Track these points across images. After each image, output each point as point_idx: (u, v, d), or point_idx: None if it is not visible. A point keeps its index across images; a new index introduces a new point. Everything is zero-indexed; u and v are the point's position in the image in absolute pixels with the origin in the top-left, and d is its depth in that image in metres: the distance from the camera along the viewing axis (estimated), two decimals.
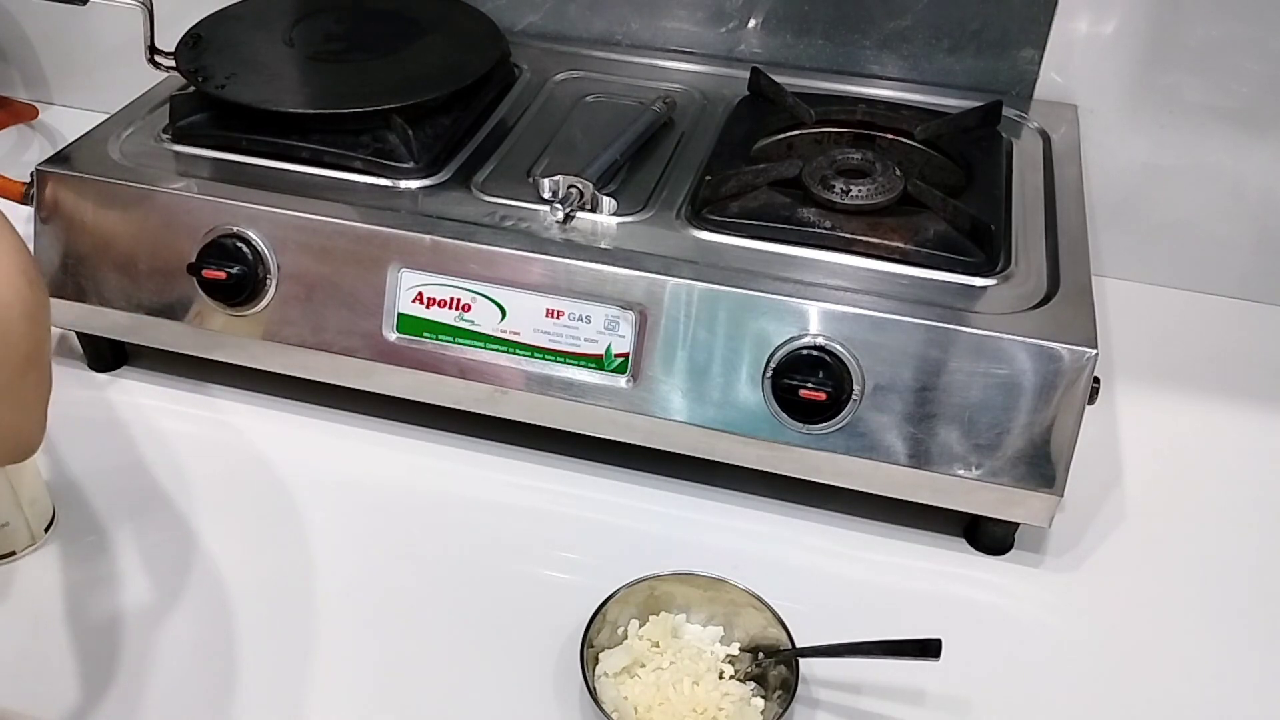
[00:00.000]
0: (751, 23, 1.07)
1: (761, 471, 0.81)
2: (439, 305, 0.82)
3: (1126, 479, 0.89)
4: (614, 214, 0.84)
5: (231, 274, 0.83)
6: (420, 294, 0.82)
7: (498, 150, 0.93)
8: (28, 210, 0.89)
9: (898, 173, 0.86)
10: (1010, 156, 0.95)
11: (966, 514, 0.81)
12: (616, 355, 0.81)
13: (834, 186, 0.84)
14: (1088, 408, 0.76)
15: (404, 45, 0.99)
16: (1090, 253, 0.84)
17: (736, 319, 0.78)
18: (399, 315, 0.83)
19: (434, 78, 0.94)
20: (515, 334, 0.82)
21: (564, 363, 0.81)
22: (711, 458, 0.82)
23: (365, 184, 0.88)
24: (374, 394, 0.86)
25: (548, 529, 0.83)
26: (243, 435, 0.89)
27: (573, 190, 0.84)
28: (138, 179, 0.87)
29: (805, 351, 0.77)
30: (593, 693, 0.68)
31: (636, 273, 0.79)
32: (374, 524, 0.83)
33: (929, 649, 0.67)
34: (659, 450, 0.83)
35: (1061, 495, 0.77)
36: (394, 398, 0.86)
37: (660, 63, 1.07)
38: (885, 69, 1.06)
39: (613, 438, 0.83)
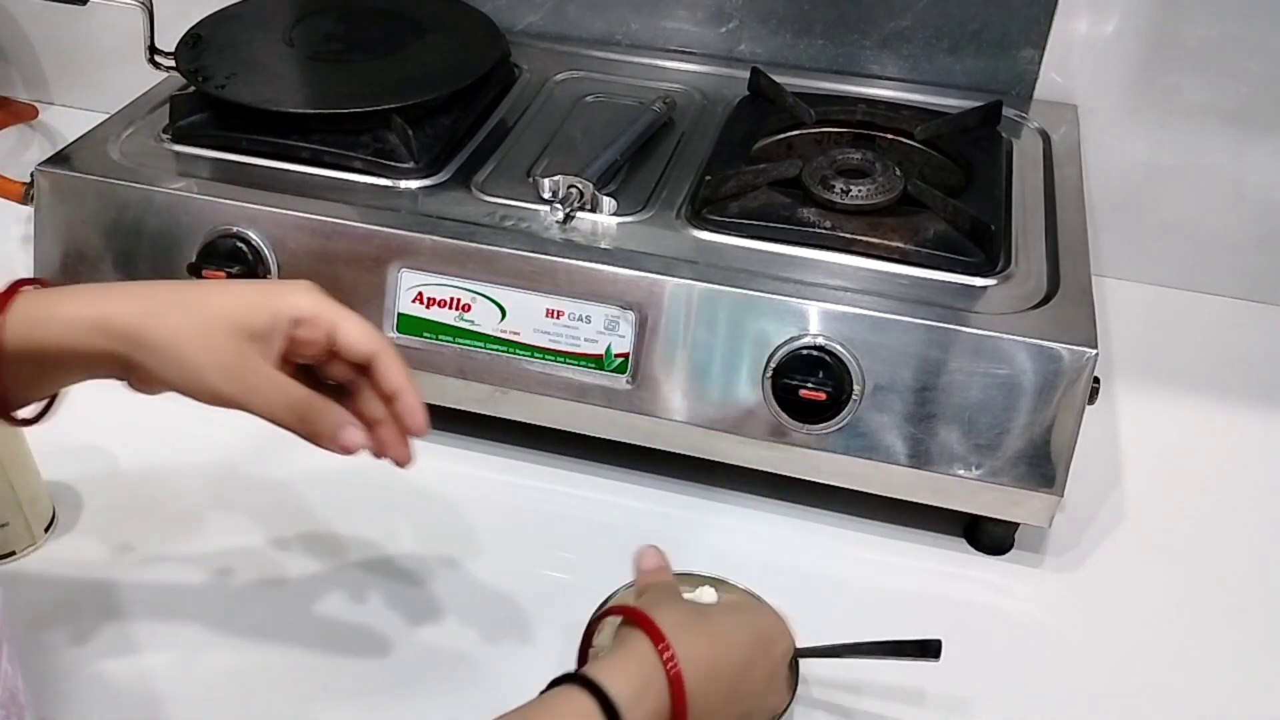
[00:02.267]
0: (752, 23, 1.07)
1: (761, 471, 0.81)
2: (439, 305, 0.82)
3: (1126, 479, 0.89)
4: (614, 214, 0.84)
5: (231, 274, 0.83)
6: (420, 294, 0.82)
7: (498, 150, 0.93)
8: (28, 210, 0.89)
9: (898, 173, 0.86)
10: (1010, 156, 0.95)
11: (966, 514, 0.81)
12: (616, 355, 0.81)
13: (834, 186, 0.84)
14: (1088, 408, 0.76)
15: (404, 45, 0.99)
16: (1090, 253, 0.84)
17: (736, 319, 0.78)
18: (399, 315, 0.83)
19: (434, 78, 0.94)
20: (515, 334, 0.82)
21: (564, 363, 0.81)
22: (711, 458, 0.82)
23: (365, 184, 0.88)
24: None
25: (548, 529, 0.83)
26: (242, 435, 0.89)
27: (573, 190, 0.84)
28: (138, 179, 0.87)
29: (805, 351, 0.77)
30: None
31: (636, 273, 0.79)
32: (373, 524, 0.83)
33: (929, 649, 0.67)
34: (659, 450, 0.83)
35: (1061, 495, 0.77)
36: None
37: (660, 63, 1.07)
38: (885, 69, 1.06)
39: (613, 438, 0.83)
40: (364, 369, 0.60)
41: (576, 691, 0.56)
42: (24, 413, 0.61)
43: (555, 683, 0.58)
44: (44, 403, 0.61)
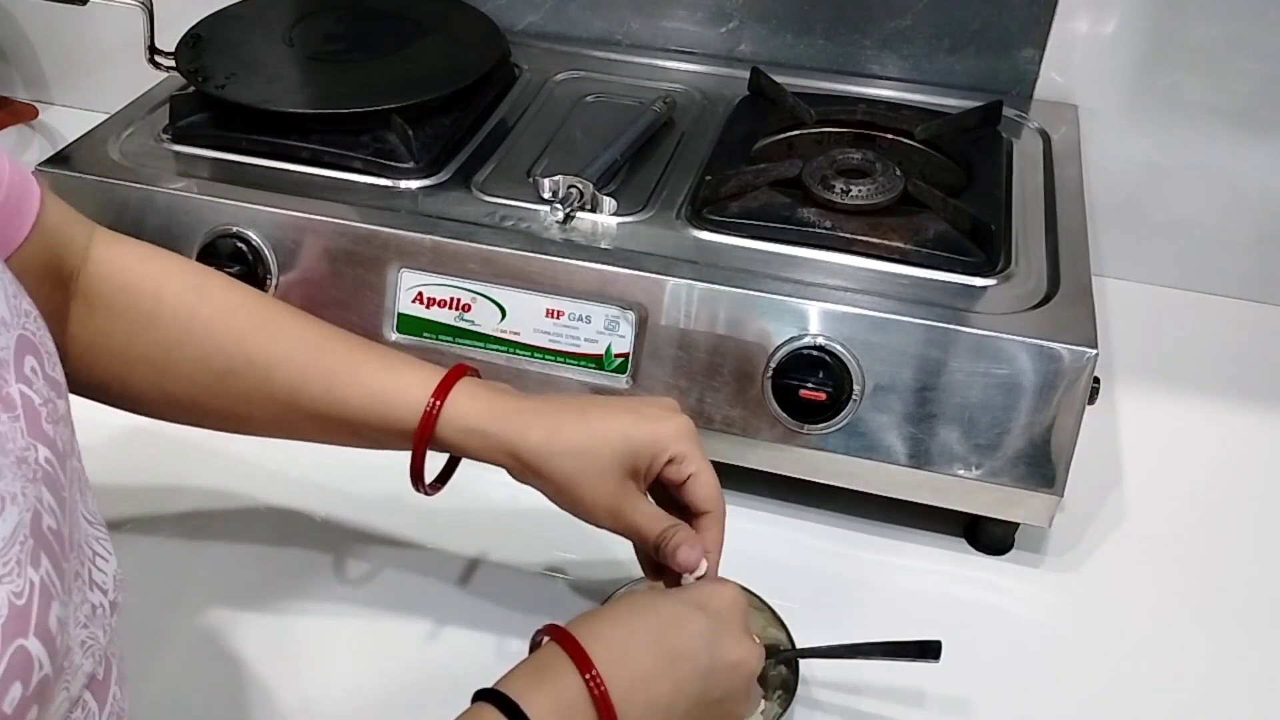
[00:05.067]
0: (752, 23, 1.07)
1: (761, 471, 0.81)
2: (439, 305, 0.82)
3: (1126, 479, 0.89)
4: (614, 214, 0.84)
5: (231, 274, 0.83)
6: (420, 294, 0.82)
7: (498, 150, 0.93)
8: None
9: (898, 173, 0.86)
10: (1010, 156, 0.95)
11: (966, 514, 0.81)
12: (616, 355, 0.81)
13: (834, 186, 0.84)
14: (1088, 408, 0.76)
15: (404, 45, 0.99)
16: (1090, 253, 0.84)
17: (736, 319, 0.78)
18: (399, 315, 0.83)
19: (434, 78, 0.94)
20: (515, 334, 0.82)
21: (564, 363, 0.81)
22: (711, 458, 0.82)
23: (365, 184, 0.88)
24: None
25: (548, 529, 0.83)
26: (241, 435, 0.89)
27: (573, 190, 0.84)
28: (138, 179, 0.87)
29: (805, 351, 0.77)
30: None
31: (636, 273, 0.79)
32: (372, 525, 0.83)
33: (929, 650, 0.67)
34: None
35: (1061, 495, 0.77)
36: None
37: (660, 63, 1.07)
38: (885, 69, 1.06)
39: None
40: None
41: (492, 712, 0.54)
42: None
43: (477, 697, 0.55)
44: (442, 477, 0.69)
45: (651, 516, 0.64)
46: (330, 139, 0.89)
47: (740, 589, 0.64)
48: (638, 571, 0.73)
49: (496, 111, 0.98)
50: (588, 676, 0.54)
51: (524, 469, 0.63)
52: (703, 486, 0.65)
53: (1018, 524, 0.81)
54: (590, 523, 0.65)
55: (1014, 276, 0.81)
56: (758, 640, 0.62)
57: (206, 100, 0.92)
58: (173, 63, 0.95)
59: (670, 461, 0.64)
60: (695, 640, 0.58)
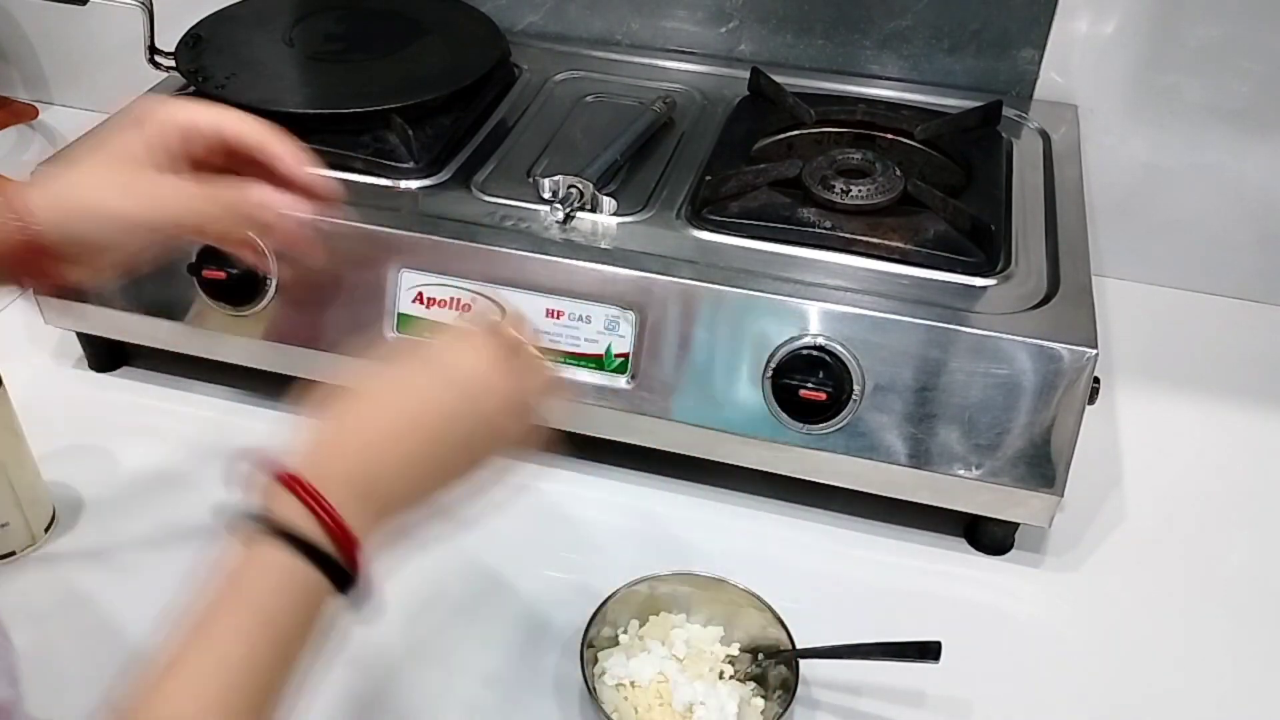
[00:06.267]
0: (752, 23, 1.07)
1: (761, 471, 0.81)
2: (439, 305, 0.82)
3: (1126, 479, 0.89)
4: (614, 214, 0.84)
5: (231, 274, 0.83)
6: (420, 294, 0.82)
7: (498, 150, 0.93)
8: None
9: (898, 173, 0.86)
10: (1010, 156, 0.95)
11: (966, 514, 0.81)
12: (616, 355, 0.81)
13: (834, 186, 0.84)
14: (1088, 408, 0.76)
15: (404, 45, 0.99)
16: (1090, 253, 0.84)
17: (736, 319, 0.78)
18: (399, 315, 0.83)
19: (434, 78, 0.94)
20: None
21: (564, 363, 0.81)
22: (711, 458, 0.82)
23: (365, 184, 0.88)
24: None
25: (548, 529, 0.83)
26: (241, 436, 0.89)
27: (573, 190, 0.84)
28: None
29: (805, 351, 0.77)
30: (593, 693, 0.68)
31: (636, 273, 0.79)
32: None
33: (929, 651, 0.67)
34: (659, 450, 0.83)
35: (1061, 495, 0.77)
36: None
37: (660, 63, 1.07)
38: (885, 69, 1.06)
39: (613, 438, 0.83)
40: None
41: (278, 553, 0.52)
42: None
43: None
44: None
45: (183, 185, 0.60)
46: (330, 139, 0.89)
47: (482, 335, 0.59)
48: (636, 571, 0.73)
49: (496, 111, 0.98)
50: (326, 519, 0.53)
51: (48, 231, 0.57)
52: (237, 120, 0.62)
53: (1018, 524, 0.81)
54: (124, 223, 0.59)
55: (1014, 276, 0.81)
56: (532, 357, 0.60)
57: (207, 100, 0.92)
58: (173, 63, 0.95)
59: (187, 134, 0.61)
60: (473, 442, 0.57)
